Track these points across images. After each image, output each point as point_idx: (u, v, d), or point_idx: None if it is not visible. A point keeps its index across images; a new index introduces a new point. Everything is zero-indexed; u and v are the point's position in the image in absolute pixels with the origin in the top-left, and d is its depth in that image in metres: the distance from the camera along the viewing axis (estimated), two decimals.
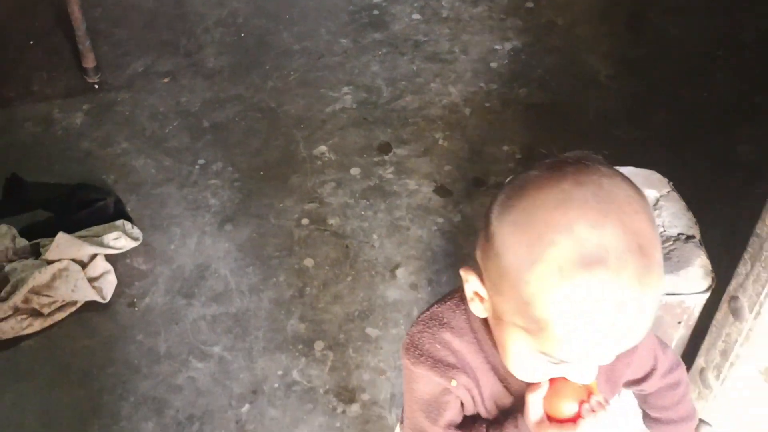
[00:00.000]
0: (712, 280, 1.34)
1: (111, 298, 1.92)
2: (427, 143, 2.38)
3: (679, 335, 1.42)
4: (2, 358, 1.79)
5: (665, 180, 1.51)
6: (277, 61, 2.71)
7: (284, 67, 2.70)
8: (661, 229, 1.44)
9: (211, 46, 2.77)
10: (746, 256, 1.22)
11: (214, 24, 2.84)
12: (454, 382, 0.83)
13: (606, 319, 0.64)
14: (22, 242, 1.98)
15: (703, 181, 2.03)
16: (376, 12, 2.87)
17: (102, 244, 1.93)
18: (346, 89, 2.60)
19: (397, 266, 2.01)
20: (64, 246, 1.88)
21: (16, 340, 1.82)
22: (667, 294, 1.32)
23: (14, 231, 2.01)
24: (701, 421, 1.06)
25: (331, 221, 2.14)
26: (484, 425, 0.87)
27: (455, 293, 0.86)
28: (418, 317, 0.88)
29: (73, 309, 1.88)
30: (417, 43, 2.77)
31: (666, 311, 1.36)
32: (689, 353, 1.45)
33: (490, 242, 0.70)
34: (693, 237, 1.40)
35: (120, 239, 1.96)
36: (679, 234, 1.42)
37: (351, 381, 1.75)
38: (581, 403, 0.77)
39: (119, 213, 2.08)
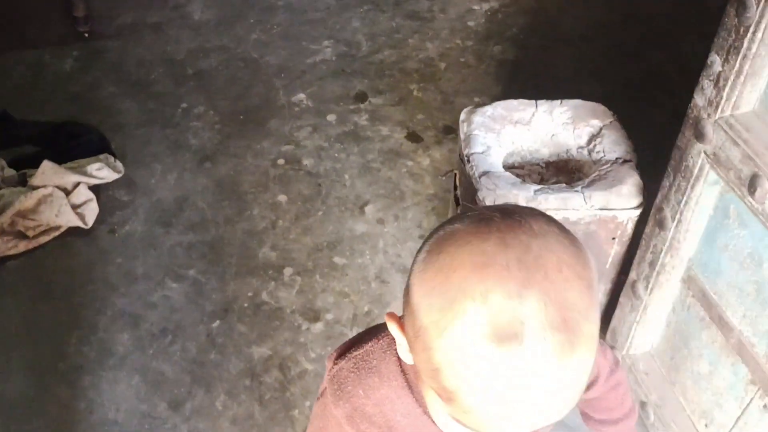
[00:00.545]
0: (643, 197, 1.44)
1: (93, 225, 2.02)
2: (401, 93, 2.49)
3: (614, 252, 1.53)
4: None
5: (609, 112, 1.62)
6: (261, 16, 2.81)
7: (268, 21, 2.80)
8: (601, 155, 1.55)
9: (197, 1, 2.87)
10: (669, 168, 1.32)
11: None
12: None
13: (518, 398, 0.57)
14: (10, 172, 2.09)
15: (657, 131, 2.13)
16: None
17: (85, 173, 2.03)
18: (326, 43, 2.71)
19: (366, 203, 2.12)
20: (49, 173, 1.98)
21: (2, 260, 1.93)
22: (601, 209, 1.43)
23: (2, 162, 2.11)
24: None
25: (305, 162, 2.25)
26: None
27: (381, 331, 0.78)
28: (349, 349, 0.78)
29: (57, 233, 1.98)
30: (398, 1, 2.87)
31: (600, 227, 1.46)
32: (625, 270, 1.55)
33: (407, 297, 0.63)
34: (630, 161, 1.51)
35: (103, 170, 2.06)
36: (617, 158, 1.52)
37: (316, 303, 1.86)
38: None
39: (103, 147, 2.18)
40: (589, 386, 0.88)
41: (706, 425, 1.40)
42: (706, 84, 1.17)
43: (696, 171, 1.24)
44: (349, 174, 2.21)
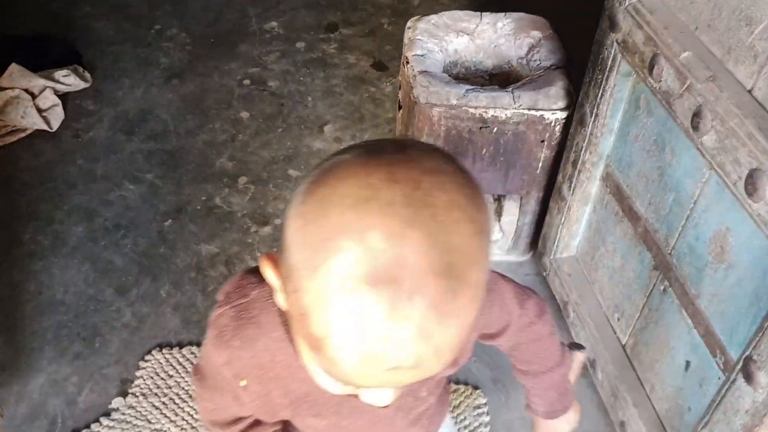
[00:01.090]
0: (570, 99, 1.49)
1: (57, 129, 2.09)
2: (372, 26, 2.53)
3: (544, 156, 1.58)
4: None
5: (548, 23, 1.67)
6: None
7: None
8: (537, 62, 1.60)
9: None
10: (589, 64, 1.38)
11: None
12: (243, 383, 0.74)
13: (387, 348, 0.51)
14: None
15: None
16: None
17: (52, 79, 2.10)
18: None
19: (325, 123, 2.18)
20: (16, 75, 2.05)
21: None
22: (529, 109, 1.48)
23: None
24: (574, 345, 1.01)
25: (271, 83, 2.30)
26: None
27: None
28: (229, 295, 0.73)
29: (23, 135, 2.05)
30: None
31: (529, 128, 1.52)
32: (553, 175, 1.61)
33: (283, 232, 0.57)
34: (561, 67, 1.56)
35: (70, 77, 2.13)
36: (551, 65, 1.57)
37: (267, 209, 1.92)
38: None
39: (73, 60, 2.24)
40: (498, 334, 0.84)
41: (618, 318, 1.46)
42: None
43: (609, 62, 1.29)
44: (312, 96, 2.27)
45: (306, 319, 0.53)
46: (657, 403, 1.36)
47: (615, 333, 1.48)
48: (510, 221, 1.73)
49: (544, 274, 1.70)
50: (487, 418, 1.52)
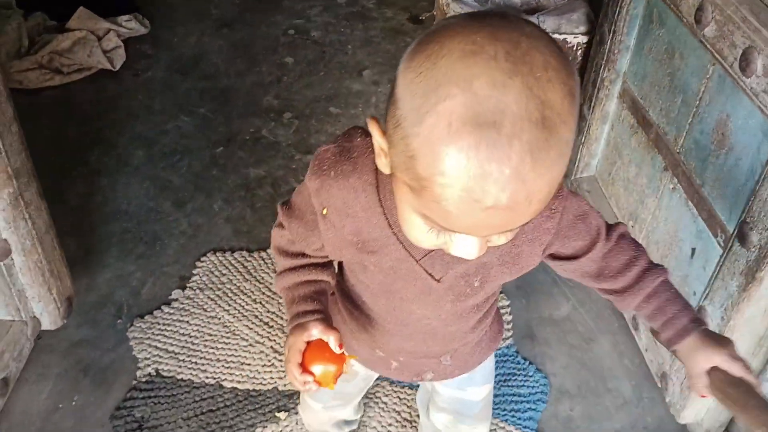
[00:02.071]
0: (591, 25, 1.63)
1: (119, 69, 2.28)
2: None
3: None
4: (26, 102, 2.15)
5: None
6: None
7: None
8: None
9: None
10: None
11: None
12: (324, 211, 0.81)
13: (484, 186, 0.56)
14: (52, 23, 2.35)
15: None
16: None
17: (116, 23, 2.29)
18: None
19: (364, 68, 2.33)
20: (84, 17, 2.24)
21: (40, 90, 2.19)
22: (553, 32, 1.62)
23: (45, 16, 2.37)
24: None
25: (313, 33, 2.47)
26: (313, 303, 0.88)
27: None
28: (338, 138, 0.82)
29: (88, 73, 2.24)
30: None
31: None
32: None
33: (393, 89, 0.63)
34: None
35: (131, 22, 2.31)
36: (570, 2, 1.71)
37: (309, 140, 2.09)
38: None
39: (133, 9, 2.43)
40: (585, 254, 0.86)
41: (632, 225, 1.59)
42: None
43: None
44: (352, 45, 2.42)
45: (414, 161, 0.59)
46: None
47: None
48: None
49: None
50: (509, 317, 1.66)
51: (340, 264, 0.95)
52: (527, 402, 1.50)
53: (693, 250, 1.36)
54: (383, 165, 0.68)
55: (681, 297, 0.87)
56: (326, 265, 0.92)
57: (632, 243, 0.88)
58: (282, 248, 0.91)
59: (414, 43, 0.61)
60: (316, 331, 0.82)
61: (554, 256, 0.87)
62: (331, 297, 0.99)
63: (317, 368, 0.82)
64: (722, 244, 1.25)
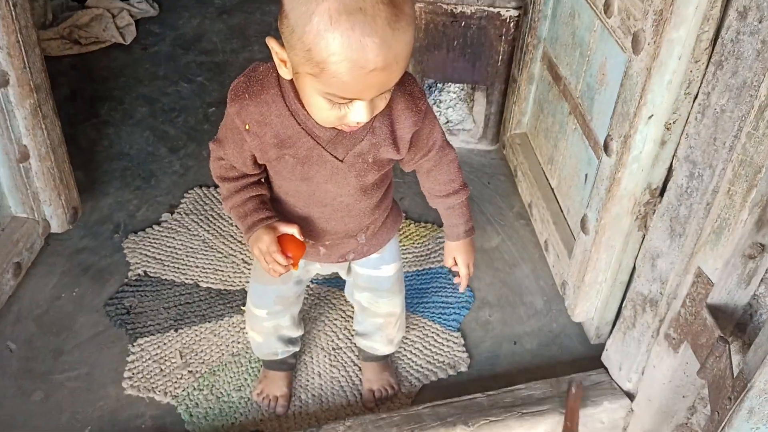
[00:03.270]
0: (522, 1, 1.94)
1: (130, 43, 2.62)
2: None
3: (502, 49, 2.03)
4: (48, 66, 2.48)
5: None
6: None
7: None
8: None
9: None
10: None
11: None
12: (247, 127, 1.03)
13: (365, 55, 0.81)
14: (73, 3, 2.70)
15: None
16: None
17: (129, 3, 2.64)
18: None
19: None
20: None
21: (60, 57, 2.53)
22: (488, 6, 1.94)
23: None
24: None
25: None
26: (264, 211, 1.11)
27: (271, 62, 1.02)
28: (245, 71, 1.05)
29: (103, 45, 2.58)
30: None
31: (489, 23, 1.97)
32: (509, 69, 2.05)
33: (282, 8, 0.87)
34: None
35: (143, 3, 2.67)
36: None
37: None
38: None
39: None
40: (427, 153, 1.16)
41: (549, 168, 1.89)
42: None
43: None
44: None
45: (311, 53, 0.83)
46: (570, 219, 1.77)
47: (546, 179, 1.91)
48: (479, 111, 2.17)
49: (504, 151, 2.14)
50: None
51: (266, 178, 1.17)
52: (453, 308, 1.78)
53: (586, 175, 1.65)
54: (285, 72, 0.93)
55: (466, 214, 1.26)
56: (262, 182, 1.16)
57: (456, 166, 1.21)
58: (223, 176, 1.14)
59: None
60: (282, 227, 1.09)
61: (411, 146, 1.13)
62: None
63: (292, 252, 1.08)
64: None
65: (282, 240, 1.09)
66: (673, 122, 1.30)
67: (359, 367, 1.63)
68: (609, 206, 1.46)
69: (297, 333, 1.52)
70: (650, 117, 1.31)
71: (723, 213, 1.14)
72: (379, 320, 1.46)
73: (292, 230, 1.09)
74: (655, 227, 1.33)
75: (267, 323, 1.44)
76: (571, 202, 1.75)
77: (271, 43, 0.93)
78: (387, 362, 1.60)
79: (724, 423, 1.15)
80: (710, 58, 1.17)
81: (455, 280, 1.33)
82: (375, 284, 1.40)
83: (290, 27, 0.84)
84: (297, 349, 1.57)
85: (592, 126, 1.59)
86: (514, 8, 1.94)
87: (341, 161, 1.07)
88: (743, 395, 1.09)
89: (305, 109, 0.99)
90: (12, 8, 1.42)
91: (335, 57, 0.82)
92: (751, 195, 1.09)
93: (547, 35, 1.84)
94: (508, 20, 1.95)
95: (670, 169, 1.35)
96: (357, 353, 1.64)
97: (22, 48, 1.49)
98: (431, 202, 1.26)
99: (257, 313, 1.42)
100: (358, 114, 0.92)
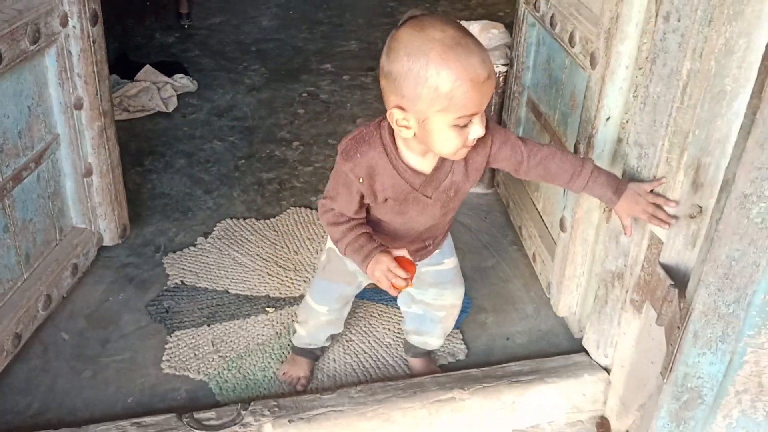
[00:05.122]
0: (509, 58, 2.29)
1: (172, 112, 2.99)
2: None
3: (494, 102, 2.36)
4: None
5: (502, 24, 2.51)
6: (310, 26, 3.90)
7: (314, 29, 3.87)
8: (495, 42, 2.42)
9: (267, 16, 3.98)
10: (514, 25, 2.18)
11: (273, 6, 4.05)
12: (360, 180, 1.28)
13: (476, 70, 1.10)
14: (124, 81, 3.10)
15: None
16: None
17: (172, 79, 3.03)
18: (353, 42, 3.74)
19: (358, 117, 3.02)
20: (148, 73, 2.99)
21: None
22: None
23: (117, 77, 3.13)
24: None
25: (322, 96, 3.19)
26: (374, 242, 1.31)
27: (372, 123, 1.31)
28: (351, 134, 1.31)
29: (149, 113, 2.96)
30: None
31: None
32: (500, 117, 2.37)
33: (392, 80, 1.15)
34: (507, 46, 2.38)
35: (184, 79, 3.06)
36: (502, 43, 2.39)
37: (311, 158, 2.73)
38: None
39: (186, 73, 3.19)
40: (520, 162, 1.39)
41: (536, 195, 2.17)
42: None
43: (521, 17, 2.11)
44: (350, 104, 3.13)
45: (438, 90, 1.11)
46: (553, 232, 2.03)
47: (534, 204, 2.18)
48: None
49: (498, 189, 2.43)
50: None
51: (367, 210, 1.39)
52: None
53: (565, 190, 1.93)
54: (408, 133, 1.20)
55: (603, 177, 1.42)
56: (365, 223, 1.37)
57: (556, 151, 1.41)
58: (335, 222, 1.36)
59: (384, 53, 1.17)
60: (395, 252, 1.28)
61: (503, 165, 1.41)
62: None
63: (408, 270, 1.26)
64: None
65: (396, 260, 1.27)
66: (626, 121, 1.59)
67: (370, 355, 1.85)
68: (581, 202, 1.73)
69: (339, 330, 1.76)
70: (608, 119, 1.61)
71: (665, 178, 1.41)
72: (441, 313, 1.67)
73: (403, 253, 1.29)
74: None
75: (324, 318, 1.67)
76: (554, 217, 2.01)
77: (395, 113, 1.19)
78: (432, 356, 1.81)
79: (675, 352, 1.37)
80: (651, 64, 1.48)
81: (627, 231, 1.46)
82: (440, 278, 1.62)
83: (411, 85, 1.13)
84: (329, 344, 1.80)
85: (567, 145, 1.88)
86: (503, 65, 2.29)
87: (430, 198, 1.35)
88: (687, 320, 1.32)
89: (403, 163, 1.28)
90: (92, 44, 1.77)
91: (458, 81, 1.10)
92: (684, 158, 1.36)
93: (531, 83, 2.18)
94: (498, 75, 2.30)
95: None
96: (404, 349, 1.83)
97: (96, 78, 1.83)
98: (575, 191, 1.45)
99: (318, 309, 1.65)
100: (476, 130, 1.19)
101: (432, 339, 1.74)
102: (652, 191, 1.40)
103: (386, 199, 1.33)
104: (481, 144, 1.30)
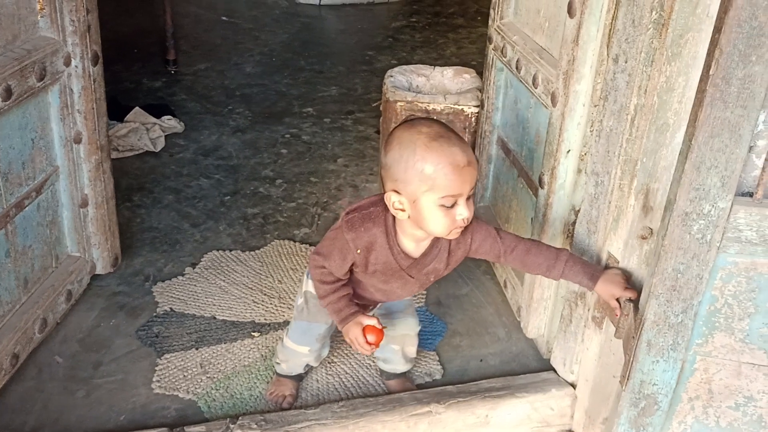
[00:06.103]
0: (480, 100, 2.46)
1: (160, 151, 3.12)
2: (377, 112, 3.60)
3: (468, 139, 2.52)
4: None
5: (473, 70, 2.69)
6: (293, 73, 4.07)
7: (297, 75, 4.04)
8: (466, 87, 2.60)
9: (251, 63, 4.15)
10: (484, 71, 2.36)
11: (257, 54, 4.22)
12: (358, 251, 1.47)
13: (456, 157, 1.31)
14: (113, 123, 3.23)
15: None
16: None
17: (160, 119, 3.17)
18: (334, 88, 3.91)
19: (338, 157, 3.17)
20: (137, 114, 3.13)
21: None
22: (454, 104, 2.46)
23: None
24: None
25: (304, 137, 3.34)
26: (352, 306, 1.54)
27: (381, 203, 1.47)
28: (359, 204, 1.50)
29: (138, 152, 3.08)
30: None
31: (455, 117, 2.47)
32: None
33: (388, 168, 1.37)
34: (479, 89, 2.55)
35: (171, 121, 3.20)
36: (474, 87, 2.57)
37: (294, 195, 2.86)
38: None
39: (174, 115, 3.33)
40: (498, 255, 1.56)
41: (506, 226, 2.31)
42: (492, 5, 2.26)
43: (491, 63, 2.29)
44: (331, 144, 3.29)
45: (424, 174, 1.32)
46: None
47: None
48: None
49: None
50: (425, 292, 2.31)
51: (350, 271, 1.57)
52: (430, 335, 2.13)
53: (531, 219, 2.08)
54: (403, 215, 1.40)
55: (579, 265, 1.57)
56: (348, 283, 1.57)
57: (530, 243, 1.59)
58: (323, 280, 1.55)
59: (385, 147, 1.39)
60: (365, 320, 1.51)
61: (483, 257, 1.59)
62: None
63: (373, 339, 1.51)
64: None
65: (366, 328, 1.51)
66: (585, 153, 1.75)
67: (351, 375, 1.95)
68: (546, 228, 1.87)
69: (316, 365, 1.90)
70: (568, 151, 1.77)
71: (618, 203, 1.56)
72: (395, 346, 1.81)
73: (373, 322, 1.52)
74: (577, 232, 1.74)
75: (305, 358, 1.80)
76: None
77: (392, 197, 1.39)
78: (408, 375, 1.94)
79: (631, 360, 1.50)
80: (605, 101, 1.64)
81: (616, 312, 1.53)
82: (391, 308, 1.77)
83: (402, 170, 1.35)
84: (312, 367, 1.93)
85: (533, 178, 2.04)
86: (474, 106, 2.46)
87: (413, 278, 1.55)
88: (640, 330, 1.45)
89: (398, 246, 1.47)
90: (92, 82, 1.91)
91: (440, 165, 1.32)
92: (634, 184, 1.52)
93: (501, 122, 2.34)
94: (470, 115, 2.46)
95: None
96: (379, 373, 1.94)
97: (95, 114, 1.95)
98: (553, 279, 1.59)
99: (299, 350, 1.78)
100: (462, 211, 1.37)
101: (398, 365, 1.87)
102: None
103: (375, 271, 1.52)
104: (462, 240, 1.50)
